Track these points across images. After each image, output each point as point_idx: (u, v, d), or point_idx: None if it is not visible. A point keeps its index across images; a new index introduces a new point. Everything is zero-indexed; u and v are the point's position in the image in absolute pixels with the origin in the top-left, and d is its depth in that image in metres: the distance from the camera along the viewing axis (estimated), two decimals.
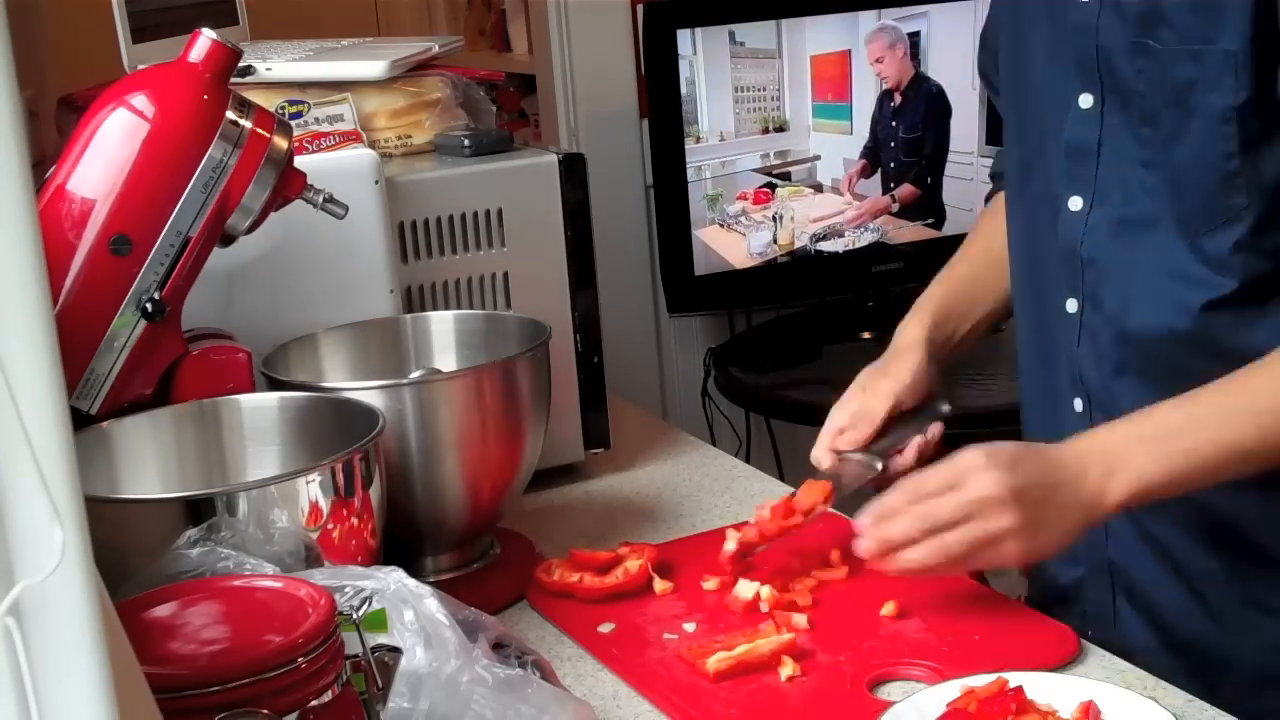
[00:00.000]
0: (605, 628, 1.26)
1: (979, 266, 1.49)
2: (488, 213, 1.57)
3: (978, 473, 1.15)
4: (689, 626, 1.25)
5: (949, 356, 1.44)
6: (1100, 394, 1.29)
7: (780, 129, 2.54)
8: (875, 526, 1.18)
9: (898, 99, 2.58)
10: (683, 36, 2.44)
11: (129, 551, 1.02)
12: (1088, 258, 1.28)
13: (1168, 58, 1.19)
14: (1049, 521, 1.15)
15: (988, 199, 1.59)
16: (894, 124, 2.59)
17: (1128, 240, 1.26)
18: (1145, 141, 1.23)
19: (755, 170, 2.54)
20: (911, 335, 1.42)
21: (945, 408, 1.41)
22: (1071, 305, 1.31)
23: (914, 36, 2.57)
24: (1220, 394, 1.17)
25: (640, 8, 2.61)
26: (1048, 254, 1.33)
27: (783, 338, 2.66)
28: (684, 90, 2.45)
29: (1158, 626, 1.30)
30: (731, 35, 2.47)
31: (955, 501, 1.15)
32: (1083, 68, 1.26)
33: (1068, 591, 1.36)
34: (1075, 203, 1.29)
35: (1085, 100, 1.26)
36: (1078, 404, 1.31)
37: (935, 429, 1.39)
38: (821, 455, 1.37)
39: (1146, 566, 1.30)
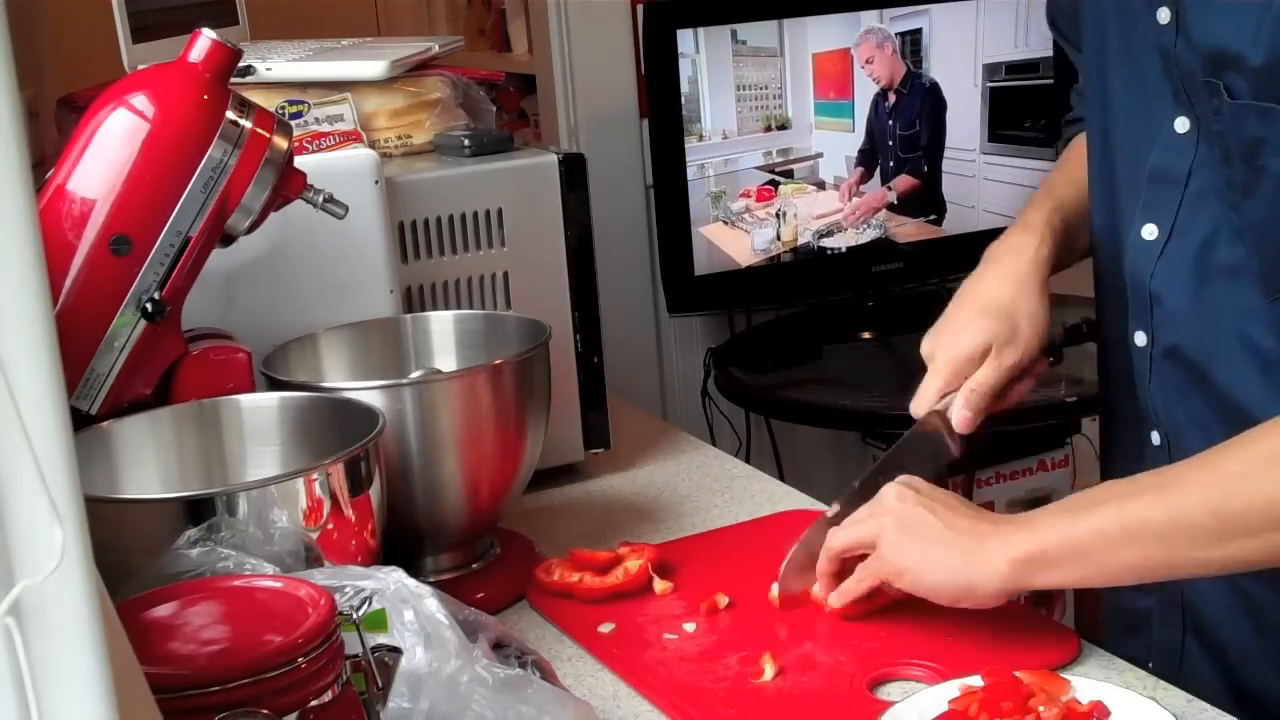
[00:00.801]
0: (605, 628, 1.26)
1: (1080, 196, 1.36)
2: (488, 213, 1.57)
3: (881, 499, 1.18)
4: (689, 627, 1.25)
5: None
6: (1176, 432, 1.23)
7: (782, 127, 2.55)
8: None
9: (892, 97, 2.58)
10: (685, 36, 2.44)
11: (129, 551, 1.02)
12: (1157, 293, 1.21)
13: (1236, 110, 1.10)
14: (928, 534, 1.14)
15: (1063, 144, 1.48)
16: (890, 122, 2.59)
17: (1209, 283, 1.17)
18: (1230, 183, 1.14)
19: (758, 168, 2.54)
20: (1030, 267, 1.29)
21: (1050, 358, 1.33)
22: (1140, 339, 1.24)
23: (915, 34, 2.58)
24: (1143, 504, 1.07)
25: (640, 8, 2.60)
26: (1111, 280, 1.27)
27: (783, 338, 2.66)
28: (687, 89, 2.45)
29: (1225, 670, 1.24)
30: (734, 34, 2.47)
31: (862, 519, 1.19)
32: (1176, 91, 1.17)
33: (1137, 620, 1.31)
34: (1149, 231, 1.21)
35: (1181, 124, 1.17)
36: (1155, 437, 1.25)
37: (1043, 365, 1.32)
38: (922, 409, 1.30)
39: (1221, 607, 1.23)
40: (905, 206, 2.63)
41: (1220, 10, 1.10)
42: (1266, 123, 1.08)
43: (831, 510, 1.29)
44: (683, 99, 2.45)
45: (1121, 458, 1.32)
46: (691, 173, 2.48)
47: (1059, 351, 1.36)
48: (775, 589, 1.27)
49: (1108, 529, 1.07)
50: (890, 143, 2.60)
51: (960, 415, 1.28)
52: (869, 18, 2.54)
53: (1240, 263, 1.15)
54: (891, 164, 2.60)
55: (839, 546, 1.22)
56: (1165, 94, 1.18)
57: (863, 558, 1.21)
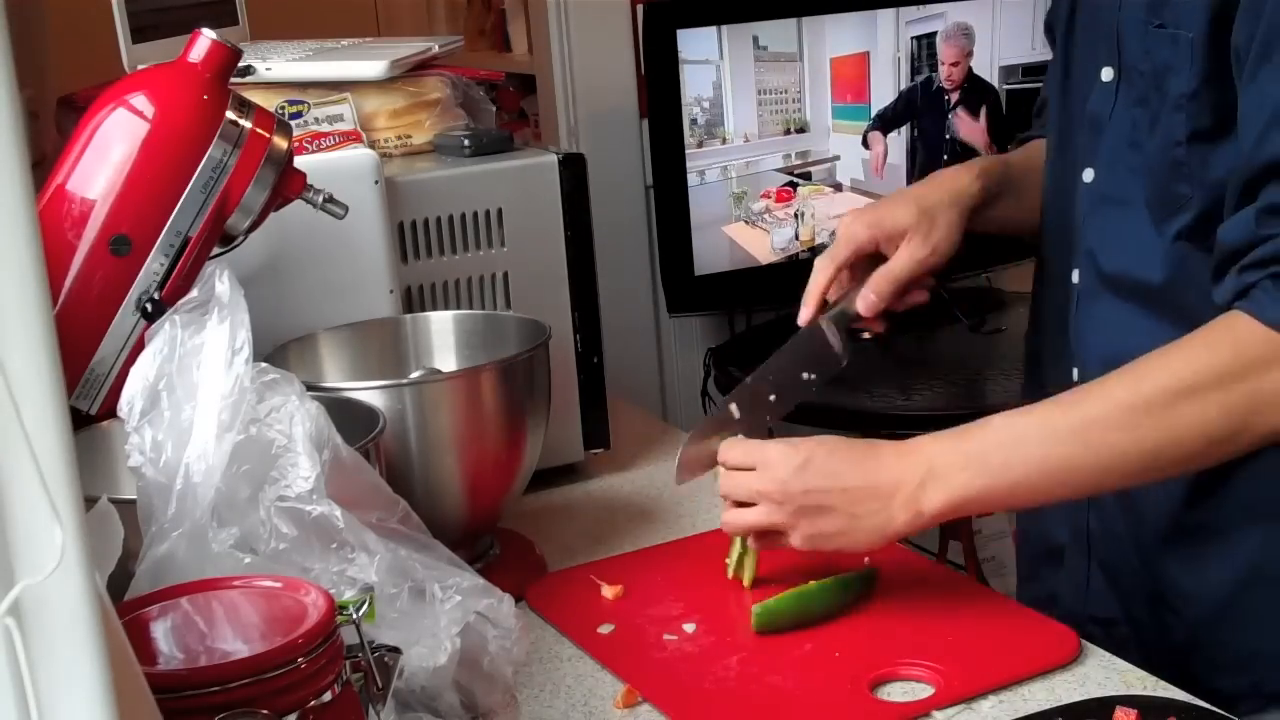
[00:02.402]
0: (605, 628, 1.26)
1: (1027, 164, 1.44)
2: (488, 213, 1.57)
3: (767, 467, 1.19)
4: (689, 627, 1.25)
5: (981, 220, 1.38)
6: (1091, 370, 1.27)
7: (801, 130, 2.57)
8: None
9: (955, 96, 2.62)
10: (708, 42, 2.47)
11: (129, 551, 1.02)
12: (1084, 229, 1.29)
13: (1160, 39, 1.19)
14: (835, 529, 1.18)
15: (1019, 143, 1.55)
16: (950, 118, 2.63)
17: (1109, 216, 1.26)
18: (1136, 122, 1.23)
19: (778, 170, 2.57)
20: (963, 190, 1.35)
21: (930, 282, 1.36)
22: (1075, 276, 1.31)
23: (931, 38, 2.60)
24: (1050, 409, 1.15)
25: (640, 8, 2.61)
26: (1059, 225, 1.34)
27: (783, 338, 2.65)
28: (710, 93, 2.49)
29: (1120, 596, 1.31)
30: (755, 40, 2.50)
31: (746, 486, 1.21)
32: (1107, 42, 1.26)
33: (1053, 552, 1.38)
34: (1088, 174, 1.29)
35: (1107, 74, 1.26)
36: (1074, 373, 1.32)
37: (917, 297, 1.36)
38: (812, 299, 1.35)
39: (1115, 537, 1.30)
40: None
41: None
42: (1174, 48, 1.17)
43: (732, 410, 1.32)
44: (707, 103, 2.48)
45: (1043, 396, 1.35)
46: (714, 174, 2.51)
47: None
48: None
49: (1033, 477, 1.14)
50: (947, 136, 2.62)
51: (865, 298, 1.31)
52: (886, 22, 2.56)
53: (1132, 195, 1.23)
54: (946, 159, 2.62)
55: (739, 530, 1.25)
56: (1099, 46, 1.27)
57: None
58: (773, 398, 1.33)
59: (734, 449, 1.24)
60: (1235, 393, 1.09)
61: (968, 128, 2.65)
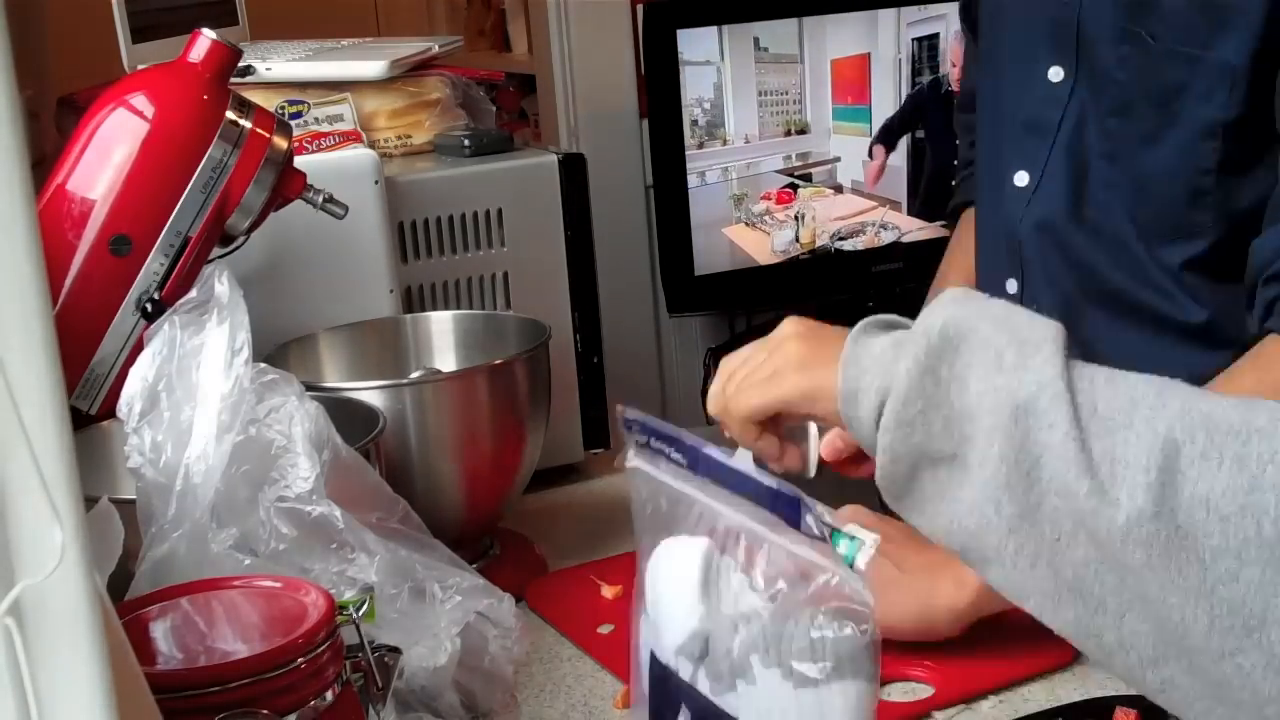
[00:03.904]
0: (605, 629, 1.26)
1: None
2: (488, 213, 1.57)
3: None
4: None
5: None
6: None
7: (801, 132, 2.58)
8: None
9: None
10: (709, 43, 2.47)
11: (129, 551, 1.02)
12: (1024, 238, 1.22)
13: (1159, 55, 1.11)
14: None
15: (951, 214, 1.50)
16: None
17: (1073, 231, 1.19)
18: (1111, 133, 1.16)
19: (778, 171, 2.57)
20: None
21: None
22: (1011, 286, 1.25)
23: (933, 39, 2.60)
24: None
25: (640, 8, 2.61)
26: (990, 229, 1.28)
27: None
28: (711, 94, 2.49)
29: None
30: (756, 41, 2.50)
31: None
32: (1060, 40, 1.18)
33: None
34: (1020, 178, 1.22)
35: (1055, 74, 1.19)
36: None
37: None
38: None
39: None
40: (925, 210, 2.64)
41: None
42: (1191, 68, 1.09)
43: None
44: (708, 104, 2.48)
45: None
46: (715, 175, 2.51)
47: None
48: None
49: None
50: (957, 143, 2.62)
51: (832, 444, 1.23)
52: (887, 23, 2.57)
53: (1109, 211, 1.16)
54: (956, 163, 2.62)
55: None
56: (1041, 43, 1.19)
57: None
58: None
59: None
60: None
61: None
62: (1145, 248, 1.15)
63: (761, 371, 0.90)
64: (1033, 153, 1.21)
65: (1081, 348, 1.13)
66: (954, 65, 2.62)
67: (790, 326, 0.93)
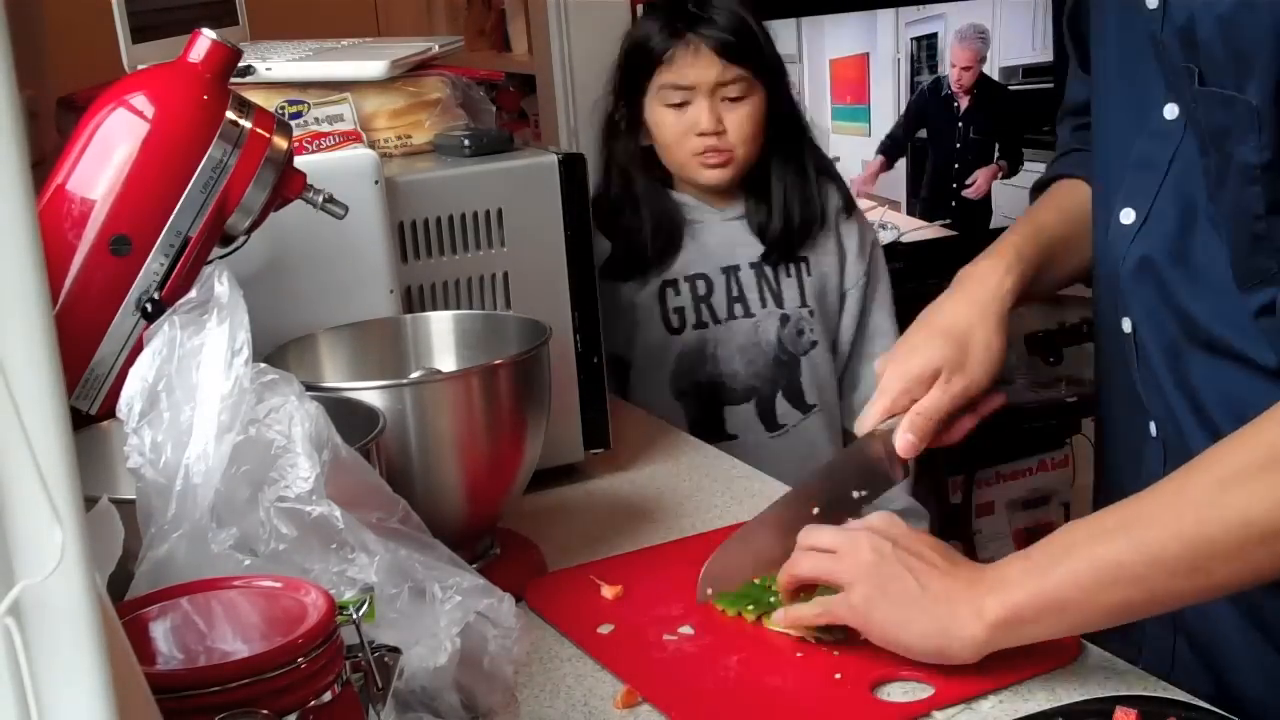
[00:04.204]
0: (605, 628, 1.26)
1: (1063, 224, 1.36)
2: (488, 213, 1.57)
3: (861, 545, 1.12)
4: (686, 629, 1.25)
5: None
6: (1165, 421, 1.21)
7: None
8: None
9: (965, 100, 2.61)
10: None
11: (129, 551, 1.02)
12: (1126, 276, 1.20)
13: (1204, 96, 1.09)
14: (906, 591, 1.09)
15: (1039, 188, 1.46)
16: (960, 125, 2.61)
17: (1173, 272, 1.16)
18: (1206, 171, 1.13)
19: None
20: (993, 296, 1.28)
21: (1003, 393, 1.31)
22: (1126, 325, 1.22)
23: (931, 39, 2.60)
24: (1103, 512, 1.07)
25: (640, 8, 2.60)
26: (1101, 263, 1.26)
27: None
28: None
29: (1216, 674, 1.22)
30: None
31: (837, 567, 1.13)
32: (1171, 74, 1.14)
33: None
34: (1127, 215, 1.20)
35: (1170, 111, 1.16)
36: (1152, 428, 1.24)
37: (994, 402, 1.29)
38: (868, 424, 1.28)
39: (1219, 617, 1.20)
40: (924, 210, 2.64)
41: None
42: (1230, 111, 1.07)
43: (771, 512, 1.29)
44: None
45: (1121, 450, 1.31)
46: None
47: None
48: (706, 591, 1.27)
49: (1081, 578, 1.03)
50: (958, 145, 2.62)
51: (903, 439, 1.26)
52: (886, 23, 2.56)
53: (1214, 252, 1.13)
54: (957, 166, 2.62)
55: (803, 573, 1.17)
56: (1158, 81, 1.16)
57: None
58: (815, 510, 1.27)
59: (821, 532, 1.17)
60: None
61: (980, 131, 2.65)
62: (1236, 284, 1.12)
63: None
64: (1142, 189, 1.19)
65: (1190, 395, 1.16)
66: (954, 66, 2.62)
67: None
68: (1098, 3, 1.27)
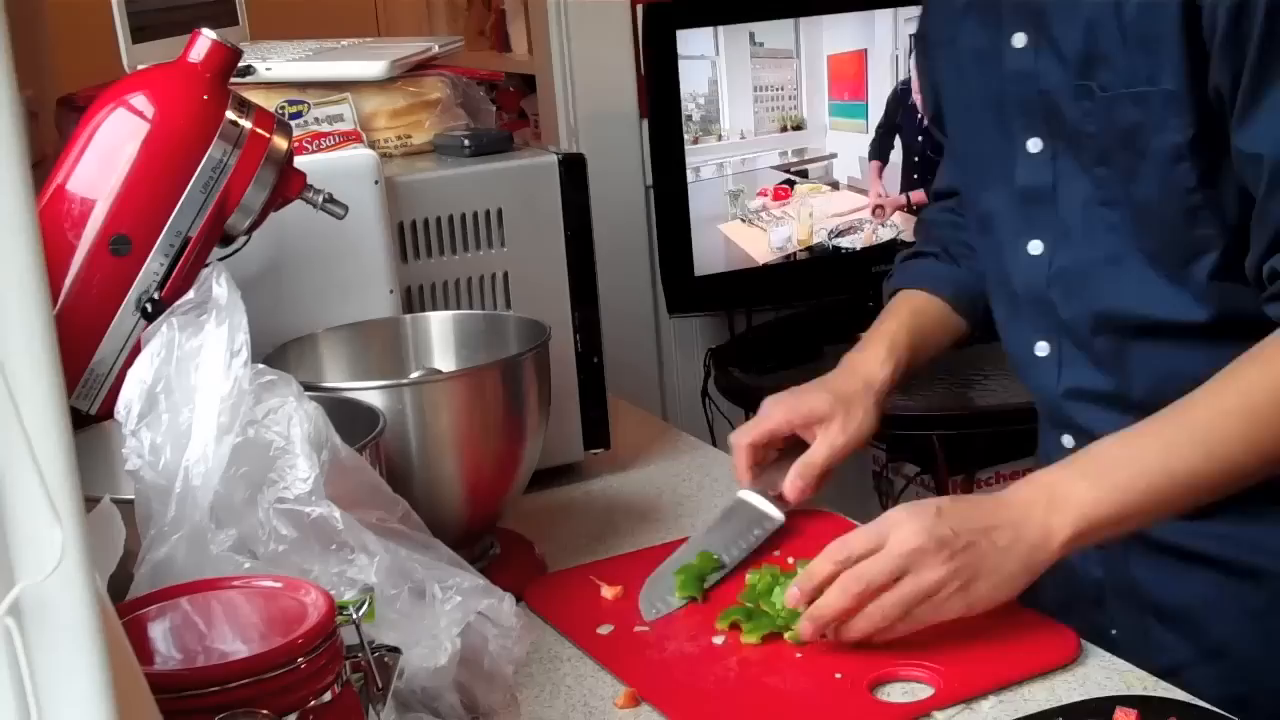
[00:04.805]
0: (604, 629, 1.26)
1: (931, 313, 1.49)
2: (488, 213, 1.57)
3: (900, 527, 1.13)
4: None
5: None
6: (1087, 432, 1.27)
7: (798, 128, 2.57)
8: (809, 604, 1.16)
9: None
10: (705, 38, 2.46)
11: (128, 552, 1.02)
12: (1058, 300, 1.28)
13: (1110, 101, 1.18)
14: (987, 567, 1.13)
15: (897, 264, 1.59)
16: (921, 139, 2.61)
17: (1098, 278, 1.25)
18: (1102, 181, 1.22)
19: (774, 168, 2.57)
20: (875, 377, 1.41)
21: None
22: (1042, 349, 1.32)
23: None
24: (1162, 424, 1.15)
25: (640, 8, 2.61)
26: (1012, 298, 1.34)
27: (783, 338, 2.66)
28: (706, 90, 2.48)
29: (1196, 641, 1.28)
30: (751, 36, 2.50)
31: (883, 560, 1.13)
32: (1027, 113, 1.26)
33: (1094, 591, 1.35)
34: (1035, 246, 1.29)
35: (1034, 145, 1.26)
36: (1066, 440, 1.33)
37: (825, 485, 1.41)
38: (743, 475, 1.40)
39: (1170, 576, 1.29)
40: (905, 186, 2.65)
41: (1078, 16, 1.19)
42: (1141, 105, 1.16)
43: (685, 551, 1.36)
44: (702, 99, 2.48)
45: (1045, 461, 1.34)
46: (710, 171, 2.50)
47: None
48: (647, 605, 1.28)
49: (1159, 490, 1.14)
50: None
51: (793, 484, 1.38)
52: (884, 19, 2.56)
53: (1123, 251, 1.23)
54: (915, 176, 2.62)
55: (876, 577, 1.13)
56: (1015, 118, 1.27)
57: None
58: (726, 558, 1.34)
59: (849, 541, 1.15)
60: None
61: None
62: (1164, 275, 1.21)
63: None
64: (1040, 220, 1.28)
65: (1125, 377, 1.26)
66: (917, 92, 2.61)
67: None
68: (953, 68, 1.36)
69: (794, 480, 1.38)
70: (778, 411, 1.40)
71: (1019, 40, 1.25)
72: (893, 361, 1.42)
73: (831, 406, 1.38)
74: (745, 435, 1.40)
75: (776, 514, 1.38)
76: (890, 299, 1.53)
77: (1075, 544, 1.14)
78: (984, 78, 1.30)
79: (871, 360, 1.42)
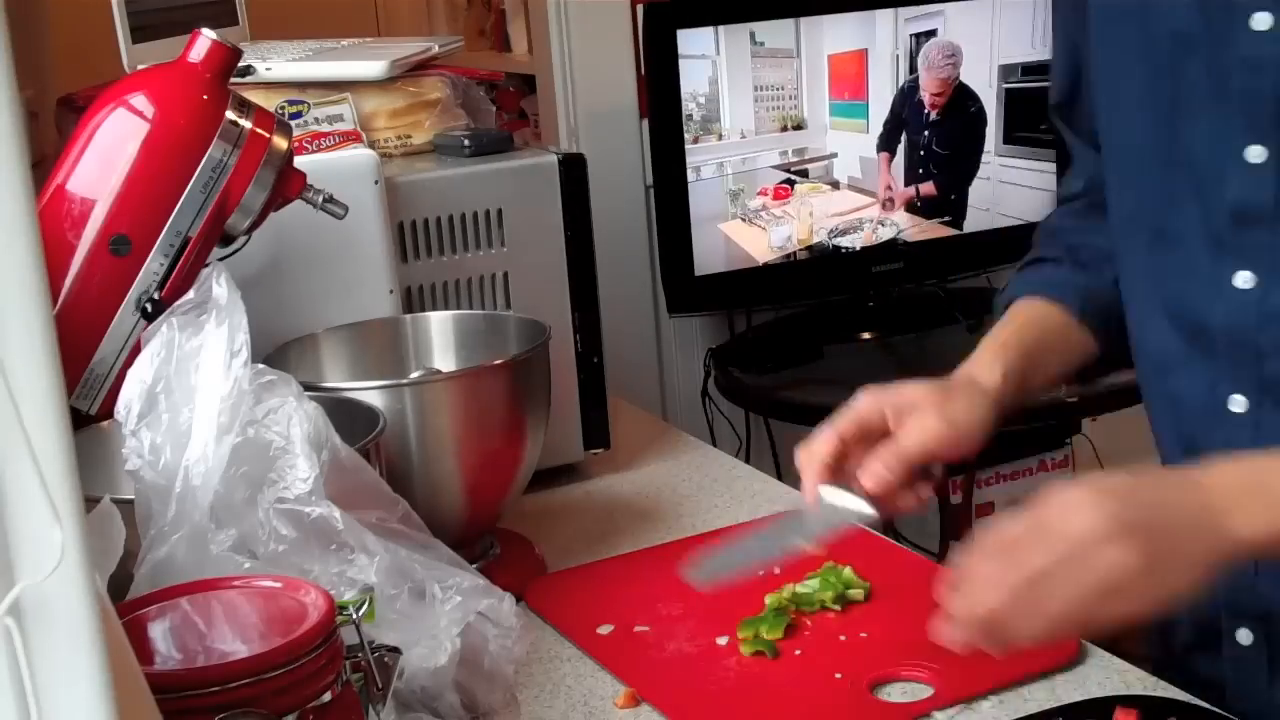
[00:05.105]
0: (604, 629, 1.26)
1: (1053, 323, 1.25)
2: (488, 213, 1.57)
3: (1076, 508, 0.92)
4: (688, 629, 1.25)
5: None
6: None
7: (798, 127, 2.57)
8: (961, 604, 0.96)
9: (934, 115, 2.61)
10: (705, 37, 2.46)
11: (128, 552, 1.02)
12: (1268, 348, 1.06)
13: None
14: (1175, 556, 0.92)
15: (1024, 268, 1.32)
16: (926, 133, 2.62)
17: None
18: None
19: (774, 167, 2.57)
20: (981, 376, 1.18)
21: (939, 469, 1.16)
22: (1238, 403, 1.09)
23: (930, 35, 2.60)
24: None
25: (640, 8, 2.61)
26: (1199, 335, 1.11)
27: (783, 338, 2.66)
28: (706, 89, 2.48)
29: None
30: (752, 35, 2.50)
31: (1053, 546, 0.92)
32: (1256, 113, 1.03)
33: (1211, 632, 1.16)
34: (1243, 279, 1.06)
35: (1255, 154, 1.04)
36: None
37: (924, 491, 1.15)
38: (810, 484, 1.12)
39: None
40: (925, 208, 2.65)
41: None
42: None
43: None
44: (703, 99, 2.48)
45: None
46: (710, 171, 2.50)
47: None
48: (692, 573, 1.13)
49: None
50: (932, 148, 2.62)
51: (873, 470, 1.11)
52: (885, 19, 2.56)
53: None
54: (920, 171, 2.62)
55: (1044, 565, 0.92)
56: (1237, 120, 1.05)
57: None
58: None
59: (1005, 526, 0.96)
60: None
61: (949, 141, 2.65)
62: None
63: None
64: (1251, 246, 1.06)
65: None
66: (925, 91, 2.61)
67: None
68: (1131, 49, 1.13)
69: (874, 465, 1.10)
70: (868, 397, 1.14)
71: (1261, 21, 1.01)
72: (1002, 364, 1.18)
73: (928, 391, 1.14)
74: (829, 427, 1.13)
75: (867, 509, 1.11)
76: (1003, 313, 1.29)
77: (1255, 551, 0.94)
78: (1187, 65, 1.06)
79: (977, 362, 1.20)
